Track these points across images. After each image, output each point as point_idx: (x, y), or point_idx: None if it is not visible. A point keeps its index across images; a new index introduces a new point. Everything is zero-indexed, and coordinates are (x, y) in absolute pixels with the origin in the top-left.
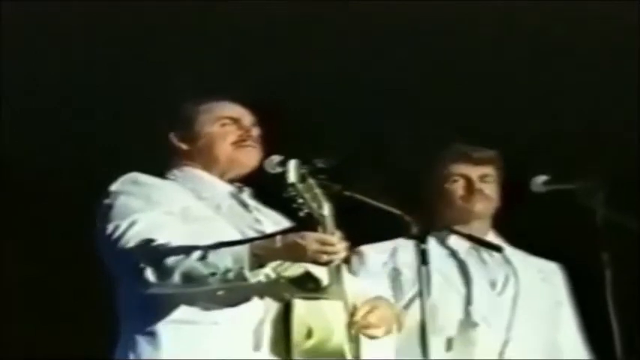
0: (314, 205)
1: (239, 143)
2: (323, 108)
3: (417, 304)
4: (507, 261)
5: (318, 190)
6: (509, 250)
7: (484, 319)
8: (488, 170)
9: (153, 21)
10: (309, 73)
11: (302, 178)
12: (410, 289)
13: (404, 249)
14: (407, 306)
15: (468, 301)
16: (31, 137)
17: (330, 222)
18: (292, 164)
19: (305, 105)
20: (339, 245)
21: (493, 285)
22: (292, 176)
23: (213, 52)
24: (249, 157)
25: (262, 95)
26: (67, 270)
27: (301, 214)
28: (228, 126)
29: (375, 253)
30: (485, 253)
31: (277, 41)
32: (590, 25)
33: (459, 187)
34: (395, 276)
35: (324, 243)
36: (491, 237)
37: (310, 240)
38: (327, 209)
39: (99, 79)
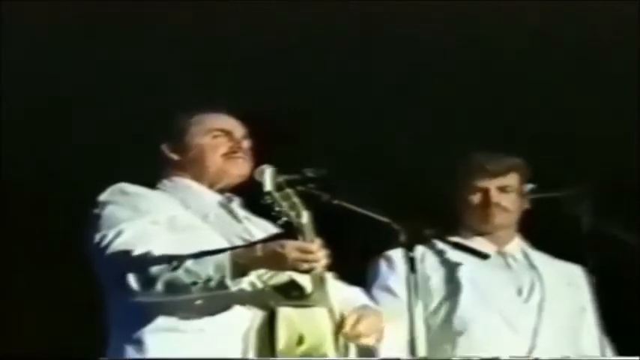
0: (292, 214)
1: (229, 155)
2: (321, 113)
3: (444, 308)
4: (532, 266)
5: (296, 199)
6: (534, 254)
7: (510, 325)
8: (508, 180)
9: (150, 23)
10: (307, 73)
11: (278, 187)
12: (438, 294)
13: (432, 254)
14: (436, 310)
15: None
16: (30, 139)
17: (309, 230)
18: (268, 173)
19: (304, 110)
20: (319, 253)
21: (519, 291)
22: (268, 185)
23: (209, 59)
24: (239, 169)
25: (260, 99)
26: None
27: (279, 222)
28: (220, 138)
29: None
30: (510, 258)
31: (275, 44)
32: (592, 26)
33: (476, 200)
34: (424, 281)
35: (303, 251)
36: (517, 242)
37: (290, 248)
38: (305, 217)
39: (99, 84)
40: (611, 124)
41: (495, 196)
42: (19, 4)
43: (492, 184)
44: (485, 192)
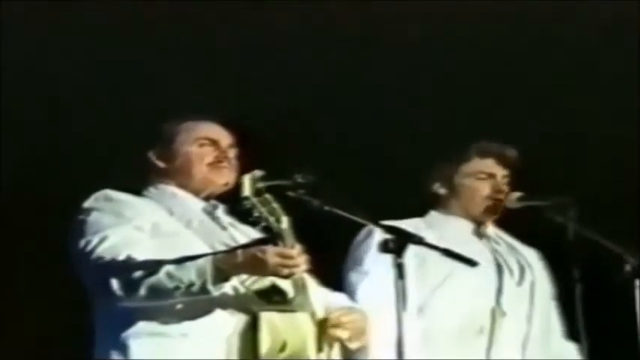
0: (271, 219)
1: (215, 164)
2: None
3: (447, 287)
4: (515, 249)
5: (275, 204)
6: (507, 237)
7: (509, 308)
8: (508, 171)
9: (147, 26)
10: (306, 74)
11: (257, 192)
12: (436, 272)
13: (429, 231)
14: (435, 289)
15: (499, 290)
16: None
17: (289, 235)
18: (247, 178)
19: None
20: (299, 258)
21: (511, 274)
22: (246, 190)
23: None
24: (224, 178)
25: (258, 100)
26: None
27: (258, 227)
28: (206, 147)
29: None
30: (492, 242)
31: (274, 46)
32: (591, 26)
33: (484, 186)
34: (420, 262)
35: (283, 256)
36: (491, 228)
37: (270, 254)
38: (285, 223)
39: (98, 85)
40: (610, 126)
41: (503, 184)
42: (18, 4)
43: (500, 172)
44: (494, 178)
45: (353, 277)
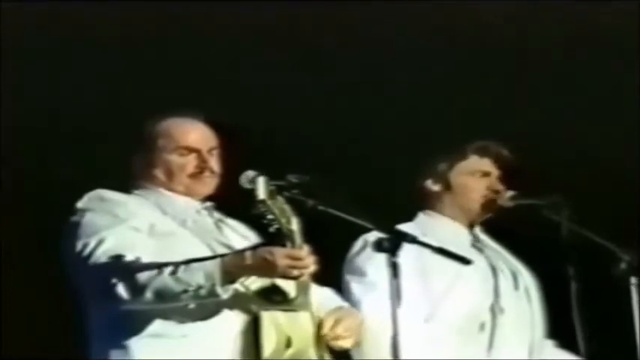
0: (283, 221)
1: (196, 175)
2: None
3: (450, 289)
4: (503, 255)
5: (286, 206)
6: (498, 247)
7: (508, 309)
8: (503, 172)
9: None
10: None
11: (271, 195)
12: (441, 278)
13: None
14: (440, 293)
15: (496, 288)
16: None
17: (298, 236)
18: (261, 181)
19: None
20: (307, 259)
21: (505, 277)
22: (262, 193)
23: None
24: (205, 188)
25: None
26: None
27: (271, 229)
28: (186, 156)
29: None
30: (484, 247)
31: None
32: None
33: (480, 184)
34: (421, 266)
35: (293, 258)
36: (478, 232)
37: (279, 256)
38: (295, 224)
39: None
40: (609, 126)
41: (498, 183)
42: (18, 5)
43: (495, 171)
44: (490, 178)
45: (355, 287)
